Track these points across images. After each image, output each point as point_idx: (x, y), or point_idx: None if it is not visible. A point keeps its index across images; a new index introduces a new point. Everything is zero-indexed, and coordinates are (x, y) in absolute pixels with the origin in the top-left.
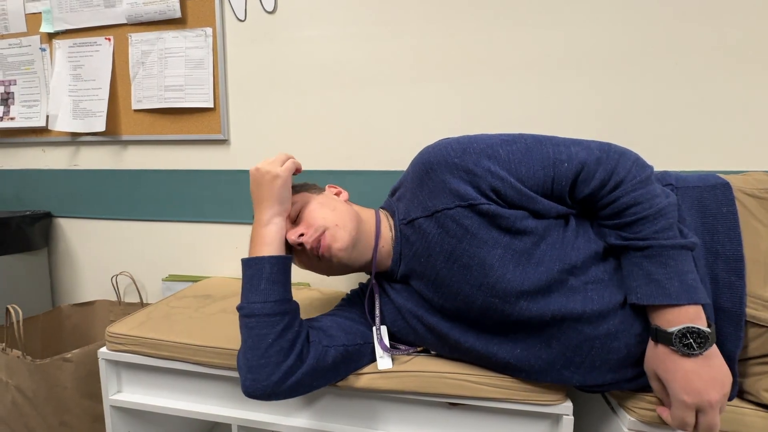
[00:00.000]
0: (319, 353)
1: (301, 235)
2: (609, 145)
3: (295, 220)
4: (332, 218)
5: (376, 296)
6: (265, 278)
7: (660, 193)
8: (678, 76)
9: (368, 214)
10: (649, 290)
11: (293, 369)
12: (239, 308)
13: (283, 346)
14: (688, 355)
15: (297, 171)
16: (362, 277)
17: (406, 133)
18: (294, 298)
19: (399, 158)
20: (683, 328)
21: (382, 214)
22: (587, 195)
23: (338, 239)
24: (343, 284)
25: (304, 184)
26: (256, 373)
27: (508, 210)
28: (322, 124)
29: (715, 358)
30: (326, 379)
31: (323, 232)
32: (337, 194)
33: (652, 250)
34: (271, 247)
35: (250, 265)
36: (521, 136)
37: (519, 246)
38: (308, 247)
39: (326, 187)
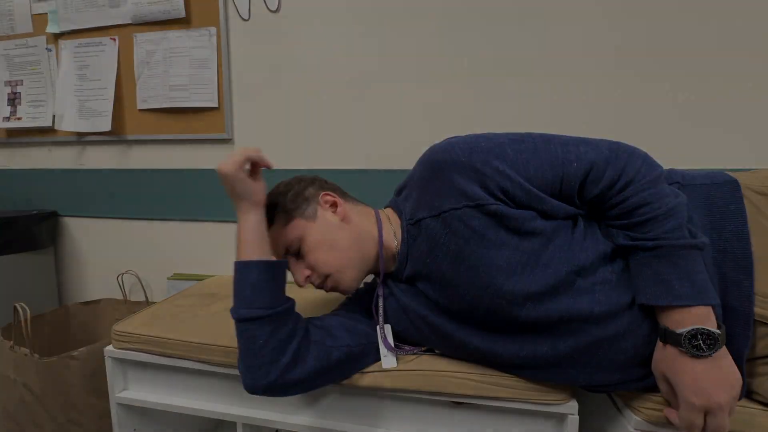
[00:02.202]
0: (322, 353)
1: (308, 276)
2: (618, 144)
3: (297, 252)
4: (333, 262)
5: (381, 296)
6: (250, 285)
7: (669, 193)
8: (684, 73)
9: (369, 221)
10: (657, 290)
11: (291, 365)
12: (231, 312)
13: (276, 346)
14: (697, 357)
15: (255, 165)
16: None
17: (410, 132)
18: (296, 298)
19: (404, 157)
20: (693, 329)
21: (386, 215)
22: (596, 195)
23: (342, 282)
24: None
25: (295, 198)
26: (254, 373)
27: (517, 210)
28: (326, 123)
29: (724, 359)
30: (330, 379)
31: (327, 277)
32: (333, 206)
33: (661, 250)
34: (253, 247)
35: (236, 269)
36: (529, 135)
37: (527, 247)
38: (316, 286)
39: (320, 196)
